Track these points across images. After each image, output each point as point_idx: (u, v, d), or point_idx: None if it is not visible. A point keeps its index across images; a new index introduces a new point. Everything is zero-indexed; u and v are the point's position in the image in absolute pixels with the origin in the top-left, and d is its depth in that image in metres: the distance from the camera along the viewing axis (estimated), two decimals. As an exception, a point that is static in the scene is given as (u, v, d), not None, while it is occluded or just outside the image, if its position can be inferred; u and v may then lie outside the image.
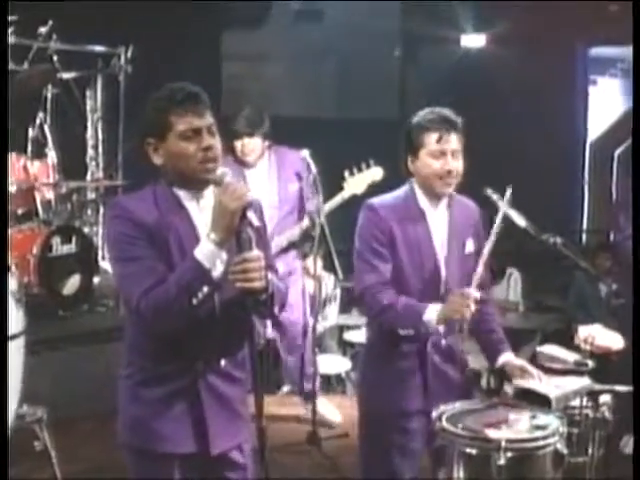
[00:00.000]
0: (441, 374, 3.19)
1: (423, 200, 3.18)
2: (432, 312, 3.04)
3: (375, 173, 4.77)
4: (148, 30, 7.01)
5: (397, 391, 3.18)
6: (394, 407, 3.16)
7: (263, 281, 2.41)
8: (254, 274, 2.39)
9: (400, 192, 3.24)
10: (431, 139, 3.09)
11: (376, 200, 3.25)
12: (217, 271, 2.44)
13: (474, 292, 3.00)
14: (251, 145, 4.81)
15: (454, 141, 3.11)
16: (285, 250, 4.89)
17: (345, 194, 4.78)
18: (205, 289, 2.43)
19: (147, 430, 2.58)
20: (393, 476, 3.19)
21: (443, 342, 3.19)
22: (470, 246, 3.22)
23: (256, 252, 2.41)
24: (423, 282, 3.15)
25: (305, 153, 4.82)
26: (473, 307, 2.98)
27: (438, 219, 3.20)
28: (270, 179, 4.90)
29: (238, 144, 4.81)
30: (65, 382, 5.02)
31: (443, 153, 3.09)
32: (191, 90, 2.55)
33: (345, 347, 6.44)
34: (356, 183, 4.75)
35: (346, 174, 4.74)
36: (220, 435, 2.61)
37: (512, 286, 7.33)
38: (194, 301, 2.43)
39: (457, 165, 3.12)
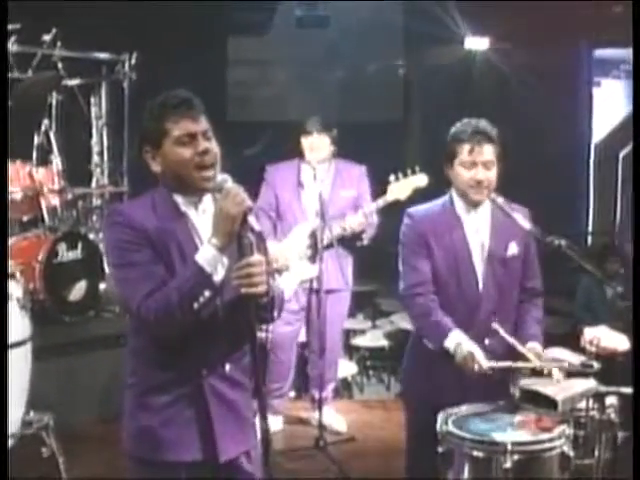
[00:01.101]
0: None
1: (460, 206, 3.35)
2: (453, 340, 3.17)
3: (419, 179, 4.85)
4: (152, 37, 7.03)
5: (438, 389, 3.26)
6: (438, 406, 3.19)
7: (265, 285, 2.42)
8: (257, 279, 2.40)
9: (441, 199, 3.42)
10: (464, 150, 3.25)
11: (414, 208, 3.46)
12: (218, 276, 2.45)
13: (484, 362, 3.08)
14: (318, 142, 5.00)
15: (487, 152, 3.26)
16: (313, 253, 4.96)
17: (388, 198, 4.89)
18: (207, 293, 2.44)
19: (153, 439, 2.57)
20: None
21: (486, 342, 3.27)
22: (514, 249, 3.34)
23: (258, 257, 2.42)
24: (459, 285, 3.30)
25: (362, 168, 5.19)
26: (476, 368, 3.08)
27: (476, 224, 3.34)
28: (324, 183, 5.02)
29: (307, 141, 5.01)
30: (72, 388, 5.03)
31: (474, 164, 3.24)
32: (184, 96, 2.57)
33: (351, 351, 6.43)
34: (400, 188, 4.85)
35: (391, 179, 4.84)
36: (227, 442, 2.60)
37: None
38: (195, 305, 2.43)
39: (489, 175, 3.26)
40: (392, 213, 4.89)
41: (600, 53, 8.87)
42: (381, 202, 4.93)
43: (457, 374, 3.18)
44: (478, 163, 3.24)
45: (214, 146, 2.56)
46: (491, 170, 3.26)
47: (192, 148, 2.51)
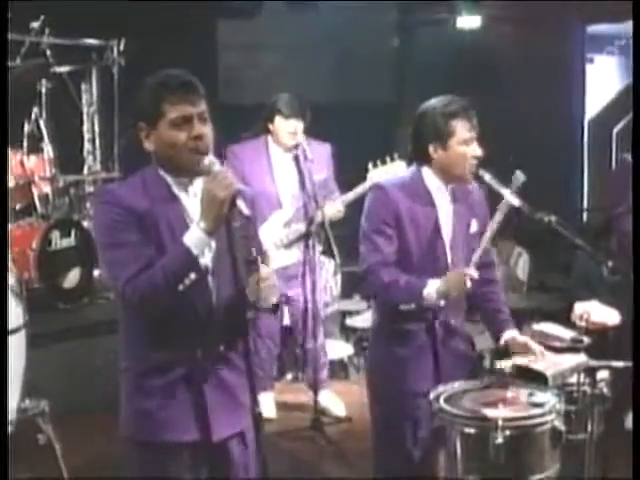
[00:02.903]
0: (451, 351, 3.24)
1: (432, 182, 3.23)
2: (432, 287, 3.10)
3: (398, 166, 4.78)
4: (141, 22, 6.99)
5: (408, 371, 3.20)
6: (405, 388, 3.19)
7: (276, 296, 2.51)
8: (269, 291, 2.48)
9: (406, 174, 3.31)
10: (464, 127, 3.15)
11: (384, 181, 3.33)
12: (205, 258, 2.47)
13: (471, 270, 3.06)
14: (298, 128, 4.87)
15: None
16: (304, 237, 4.93)
17: (367, 185, 4.80)
18: (192, 276, 2.45)
19: (152, 421, 2.58)
20: (405, 457, 3.20)
21: (452, 322, 3.26)
22: (474, 226, 3.29)
23: (267, 269, 2.49)
24: (430, 262, 3.20)
25: (327, 146, 5.05)
26: (469, 284, 3.06)
27: (444, 201, 3.25)
28: (296, 168, 4.93)
29: (286, 124, 4.85)
30: (67, 375, 5.04)
31: (472, 140, 3.17)
32: (185, 78, 2.55)
33: (347, 332, 6.44)
34: (379, 175, 4.77)
35: (370, 166, 4.79)
36: (221, 422, 2.62)
37: (521, 266, 7.32)
38: (180, 287, 2.44)
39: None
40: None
41: (593, 29, 8.84)
42: (360, 189, 4.83)
43: (426, 355, 3.19)
44: (474, 139, 3.18)
45: (209, 130, 2.54)
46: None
47: (187, 131, 2.50)
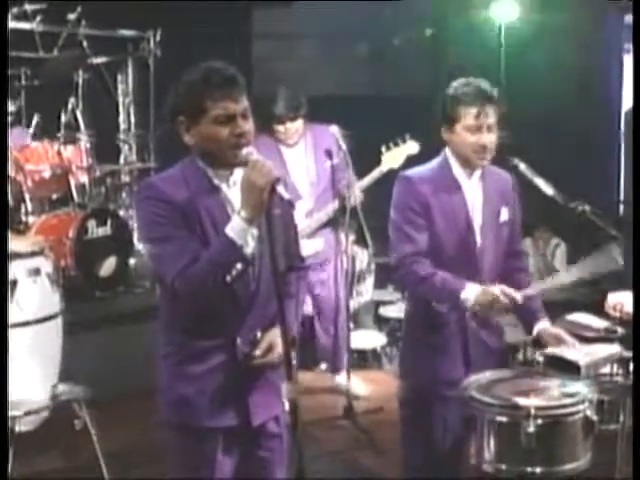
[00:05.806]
0: (481, 342, 3.20)
1: (458, 170, 3.20)
2: (470, 292, 3.03)
3: (411, 147, 4.80)
4: (176, 12, 7.02)
5: (438, 361, 3.18)
6: (436, 377, 3.16)
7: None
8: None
9: (434, 163, 3.26)
10: (469, 114, 3.09)
11: (411, 171, 3.27)
12: (249, 247, 2.47)
13: (515, 293, 3.00)
14: (294, 128, 4.86)
15: (490, 115, 3.10)
16: (325, 226, 4.96)
17: (383, 168, 4.82)
18: (239, 266, 2.45)
19: (191, 406, 2.62)
20: (434, 446, 3.18)
21: None
22: (505, 215, 3.24)
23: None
24: (459, 251, 3.17)
25: (334, 129, 4.84)
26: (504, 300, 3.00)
27: (473, 188, 3.21)
28: (308, 157, 4.95)
29: (281, 128, 4.83)
30: (103, 362, 5.09)
31: (479, 128, 3.09)
32: (228, 73, 2.52)
33: (380, 322, 6.44)
34: (393, 157, 4.79)
35: (383, 149, 4.77)
36: (259, 406, 2.66)
37: (558, 257, 7.26)
38: (228, 278, 2.45)
39: (492, 139, 3.12)
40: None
41: (631, 19, 8.71)
42: (376, 173, 4.84)
43: (456, 345, 3.17)
44: (483, 127, 3.09)
45: (250, 126, 2.55)
46: (493, 133, 3.13)
47: (229, 128, 2.50)
